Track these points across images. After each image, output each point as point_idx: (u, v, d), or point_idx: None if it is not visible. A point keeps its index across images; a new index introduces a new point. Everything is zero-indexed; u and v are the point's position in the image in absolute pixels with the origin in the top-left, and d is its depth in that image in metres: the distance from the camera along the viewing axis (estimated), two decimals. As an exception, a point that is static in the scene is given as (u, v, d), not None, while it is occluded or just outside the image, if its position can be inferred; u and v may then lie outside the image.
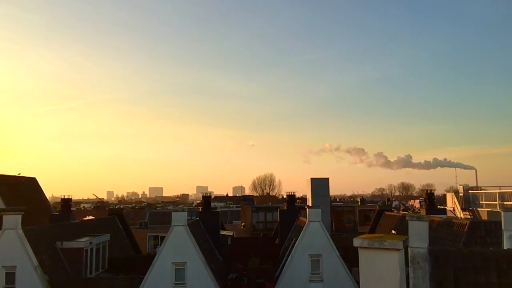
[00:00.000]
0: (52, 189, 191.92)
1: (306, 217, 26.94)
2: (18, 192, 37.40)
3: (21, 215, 23.80)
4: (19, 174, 40.55)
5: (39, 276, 22.75)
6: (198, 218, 33.95)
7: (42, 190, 42.56)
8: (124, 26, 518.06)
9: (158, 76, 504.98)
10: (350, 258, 25.44)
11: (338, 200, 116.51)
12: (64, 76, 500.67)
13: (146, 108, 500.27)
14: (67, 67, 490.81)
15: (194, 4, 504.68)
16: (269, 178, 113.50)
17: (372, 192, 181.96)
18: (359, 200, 75.82)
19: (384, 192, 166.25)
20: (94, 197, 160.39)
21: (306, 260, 25.44)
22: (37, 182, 42.34)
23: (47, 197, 45.09)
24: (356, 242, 8.22)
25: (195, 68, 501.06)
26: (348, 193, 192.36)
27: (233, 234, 41.87)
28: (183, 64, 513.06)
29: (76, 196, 35.36)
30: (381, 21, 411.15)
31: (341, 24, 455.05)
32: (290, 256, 25.86)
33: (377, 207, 41.35)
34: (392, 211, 41.11)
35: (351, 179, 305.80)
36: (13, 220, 23.41)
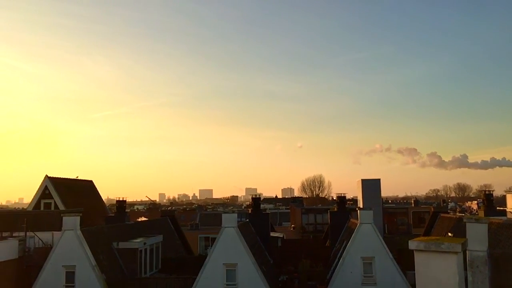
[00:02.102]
0: (108, 192, 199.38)
1: (357, 219, 26.46)
2: (76, 195, 38.99)
3: (79, 217, 24.83)
4: (77, 177, 42.29)
5: (97, 276, 23.61)
6: (247, 220, 34.09)
7: (98, 193, 44.18)
8: (172, 31, 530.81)
9: (207, 79, 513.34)
10: (404, 261, 24.77)
11: (390, 201, 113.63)
12: (118, 82, 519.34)
13: (196, 112, 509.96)
14: (121, 73, 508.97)
15: (239, 8, 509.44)
16: (318, 180, 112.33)
17: (426, 193, 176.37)
18: (412, 201, 73.66)
19: (439, 193, 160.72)
20: (147, 199, 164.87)
21: (358, 263, 24.96)
22: (94, 184, 44.00)
23: (103, 199, 46.76)
24: (412, 244, 7.95)
25: (243, 70, 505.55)
26: (401, 195, 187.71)
27: (283, 236, 41.73)
28: (231, 67, 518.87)
29: (129, 198, 36.52)
30: (431, 15, 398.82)
31: (388, 21, 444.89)
32: (341, 258, 25.47)
33: (432, 209, 40.02)
34: (448, 213, 39.63)
35: (404, 180, 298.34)
36: (72, 221, 24.45)
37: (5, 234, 26.22)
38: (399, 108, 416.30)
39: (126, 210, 35.45)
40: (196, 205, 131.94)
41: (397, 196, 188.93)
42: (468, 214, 55.42)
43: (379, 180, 38.06)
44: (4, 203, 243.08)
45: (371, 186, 36.60)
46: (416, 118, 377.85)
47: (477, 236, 8.05)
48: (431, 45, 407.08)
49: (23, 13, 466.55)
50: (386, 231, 46.87)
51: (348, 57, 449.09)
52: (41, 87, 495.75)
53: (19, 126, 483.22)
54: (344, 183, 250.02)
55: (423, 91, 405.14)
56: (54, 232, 25.64)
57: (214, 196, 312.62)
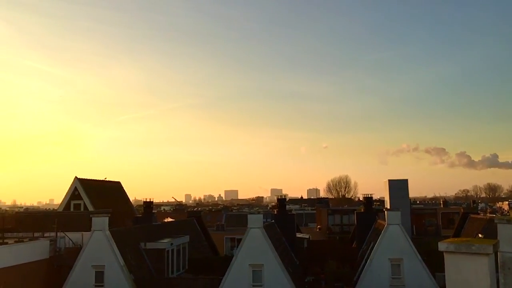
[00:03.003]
0: (135, 193, 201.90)
1: (384, 220, 26.12)
2: (105, 196, 39.68)
3: (108, 217, 25.25)
4: (105, 178, 43.04)
5: (125, 275, 23.96)
6: (273, 221, 34.04)
7: (126, 194, 44.86)
8: (197, 33, 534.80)
9: (232, 80, 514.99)
10: (433, 263, 24.31)
11: (418, 202, 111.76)
12: (144, 84, 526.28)
13: (221, 113, 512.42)
14: (146, 76, 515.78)
15: (263, 8, 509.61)
16: (344, 180, 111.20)
17: (455, 194, 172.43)
18: (441, 202, 72.23)
19: (468, 194, 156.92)
20: (173, 200, 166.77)
21: (386, 265, 24.62)
22: (122, 186, 44.70)
23: (130, 200, 47.46)
24: (442, 246, 7.77)
25: (268, 71, 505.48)
26: (429, 195, 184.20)
27: (309, 237, 41.52)
28: (255, 67, 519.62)
29: (156, 199, 37.25)
30: (457, 13, 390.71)
31: (413, 20, 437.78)
32: (369, 260, 25.18)
33: (462, 210, 39.19)
34: (478, 213, 38.75)
35: (432, 180, 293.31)
36: (101, 222, 24.89)
37: (36, 234, 26.87)
38: (426, 107, 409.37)
39: (153, 211, 35.86)
40: (222, 206, 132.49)
41: (425, 196, 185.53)
42: (499, 215, 54.00)
43: (406, 180, 37.55)
44: (35, 204, 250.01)
45: (398, 187, 36.15)
46: (444, 117, 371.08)
47: (509, 237, 7.81)
48: (458, 43, 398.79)
49: (51, 18, 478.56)
50: (414, 232, 46.12)
51: (374, 56, 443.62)
52: (69, 91, 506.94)
53: (49, 129, 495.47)
54: (370, 183, 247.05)
55: (451, 90, 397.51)
56: (84, 232, 26.14)
57: (240, 197, 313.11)
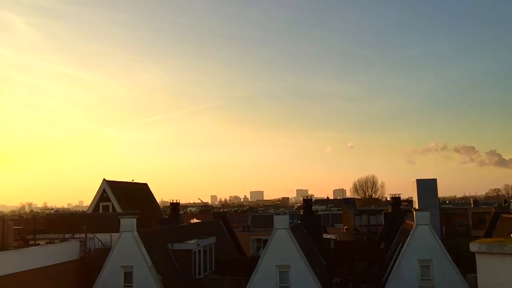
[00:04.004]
0: (161, 194, 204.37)
1: (413, 221, 25.70)
2: (132, 197, 40.27)
3: (136, 218, 25.59)
4: (133, 180, 43.69)
5: (153, 276, 24.23)
6: (299, 221, 33.91)
7: (153, 195, 45.42)
8: (221, 35, 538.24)
9: (256, 82, 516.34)
10: (464, 264, 23.78)
11: (447, 202, 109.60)
12: (169, 87, 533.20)
13: (246, 114, 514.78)
14: (172, 79, 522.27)
15: (286, 8, 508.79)
16: (371, 180, 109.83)
17: (486, 193, 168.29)
18: (471, 202, 70.63)
19: (499, 193, 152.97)
20: (199, 201, 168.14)
21: (415, 266, 24.21)
22: (149, 187, 45.28)
23: (157, 201, 48.00)
24: (473, 247, 7.63)
25: (291, 71, 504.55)
26: (459, 195, 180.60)
27: (336, 238, 41.19)
28: (279, 68, 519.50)
29: (182, 200, 37.55)
30: (486, 9, 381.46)
31: (441, 17, 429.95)
32: (397, 261, 24.79)
33: (493, 209, 38.25)
34: (510, 213, 37.70)
35: (461, 180, 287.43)
36: (129, 223, 25.25)
37: (67, 235, 27.44)
38: (454, 105, 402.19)
39: (180, 212, 36.19)
40: (247, 206, 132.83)
41: (455, 196, 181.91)
42: (533, 215, 52.33)
43: (435, 180, 36.84)
44: (65, 206, 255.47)
45: (427, 187, 35.51)
46: (473, 115, 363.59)
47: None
48: (487, 40, 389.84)
49: (77, 23, 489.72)
50: (444, 233, 45.23)
51: (400, 54, 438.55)
52: (96, 94, 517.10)
53: (77, 132, 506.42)
54: (397, 183, 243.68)
55: (480, 87, 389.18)
56: (112, 233, 26.56)
57: (265, 198, 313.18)
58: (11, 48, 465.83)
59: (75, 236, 27.12)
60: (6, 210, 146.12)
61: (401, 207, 37.16)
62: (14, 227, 25.61)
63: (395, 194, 36.57)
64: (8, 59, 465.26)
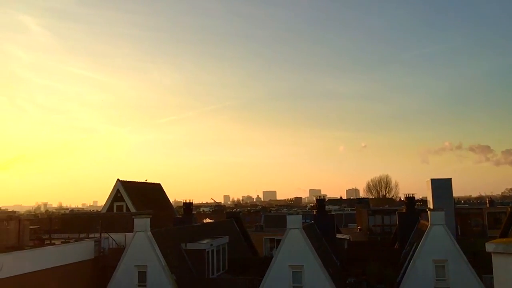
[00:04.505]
0: (175, 194, 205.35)
1: (427, 221, 25.48)
2: (146, 197, 40.48)
3: (149, 218, 25.74)
4: (146, 180, 43.91)
5: (167, 276, 24.35)
6: (312, 221, 33.81)
7: (166, 195, 45.61)
8: (233, 36, 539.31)
9: (269, 81, 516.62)
10: (480, 265, 23.52)
11: (462, 202, 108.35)
12: (182, 87, 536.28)
13: (259, 114, 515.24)
14: (184, 79, 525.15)
15: (298, 7, 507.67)
16: (385, 180, 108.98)
17: (502, 192, 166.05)
18: (487, 201, 69.76)
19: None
20: (212, 201, 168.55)
21: (430, 266, 23.99)
22: (162, 187, 45.47)
23: (170, 201, 48.18)
24: (489, 247, 7.51)
25: (305, 70, 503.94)
26: (474, 195, 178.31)
27: (349, 238, 41.00)
28: (292, 67, 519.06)
29: (195, 200, 37.63)
30: (503, 6, 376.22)
31: (458, 13, 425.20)
32: (412, 261, 24.59)
33: (509, 209, 37.74)
34: (527, 213, 37.15)
35: (477, 179, 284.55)
36: (143, 223, 25.40)
37: (82, 235, 27.69)
38: (469, 104, 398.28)
39: (193, 212, 36.31)
40: (260, 206, 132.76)
41: (470, 196, 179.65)
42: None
43: (450, 179, 36.42)
44: (80, 206, 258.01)
45: (441, 186, 35.12)
46: (488, 114, 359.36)
47: None
48: (502, 38, 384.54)
49: (91, 25, 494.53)
50: (459, 233, 44.78)
51: (414, 53, 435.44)
52: (110, 95, 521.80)
53: (91, 132, 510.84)
54: (411, 183, 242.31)
55: (494, 86, 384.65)
56: (126, 233, 26.73)
57: (278, 198, 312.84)
58: (27, 50, 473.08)
59: (89, 236, 27.34)
60: (22, 210, 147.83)
61: (415, 207, 36.85)
62: (30, 227, 25.90)
63: (409, 194, 36.32)
64: (23, 61, 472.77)
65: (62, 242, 25.78)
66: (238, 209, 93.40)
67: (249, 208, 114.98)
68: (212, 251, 27.81)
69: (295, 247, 24.37)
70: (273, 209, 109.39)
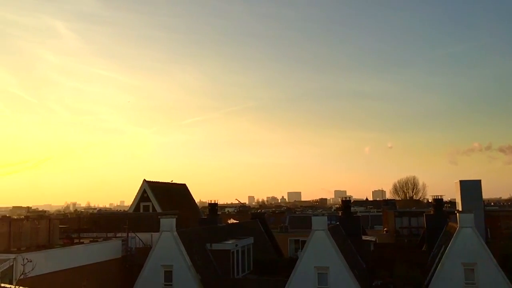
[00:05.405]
0: (200, 195, 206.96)
1: (456, 223, 24.98)
2: (172, 197, 40.87)
3: (175, 218, 25.99)
4: (172, 181, 44.33)
5: (193, 275, 24.54)
6: (338, 223, 33.54)
7: (191, 195, 45.94)
8: (257, 36, 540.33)
9: (293, 82, 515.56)
10: (510, 268, 22.95)
11: (493, 204, 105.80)
12: (206, 88, 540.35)
13: (284, 114, 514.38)
14: (208, 80, 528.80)
15: (323, 8, 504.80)
16: (412, 181, 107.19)
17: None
18: (518, 203, 67.94)
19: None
20: (237, 202, 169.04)
21: (459, 269, 23.51)
22: (187, 188, 45.82)
23: (196, 201, 48.50)
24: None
25: (328, 71, 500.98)
26: (505, 196, 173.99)
27: (375, 240, 40.49)
28: (317, 68, 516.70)
29: (220, 201, 37.79)
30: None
31: (486, 11, 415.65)
32: (440, 264, 24.15)
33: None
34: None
35: (507, 181, 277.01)
36: (169, 223, 25.67)
37: (109, 234, 28.16)
38: (499, 103, 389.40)
39: (218, 213, 36.44)
40: (285, 207, 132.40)
41: (500, 198, 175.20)
42: None
43: (479, 181, 35.65)
44: (107, 205, 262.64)
45: (470, 188, 34.40)
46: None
47: None
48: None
49: (116, 27, 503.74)
50: (489, 236, 43.77)
51: (442, 52, 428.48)
52: (135, 96, 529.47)
53: (118, 133, 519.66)
54: (440, 185, 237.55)
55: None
56: (153, 233, 27.05)
57: (303, 199, 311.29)
58: (56, 54, 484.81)
59: (117, 235, 27.79)
60: (52, 210, 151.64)
61: (443, 209, 36.16)
62: (59, 226, 26.52)
63: (438, 196, 35.63)
64: (53, 64, 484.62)
65: (91, 241, 26.30)
66: (262, 210, 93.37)
67: (273, 209, 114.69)
68: (237, 251, 27.88)
69: (320, 249, 24.23)
70: (298, 210, 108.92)
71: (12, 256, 19.84)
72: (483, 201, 42.26)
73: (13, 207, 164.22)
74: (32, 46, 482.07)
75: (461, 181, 35.07)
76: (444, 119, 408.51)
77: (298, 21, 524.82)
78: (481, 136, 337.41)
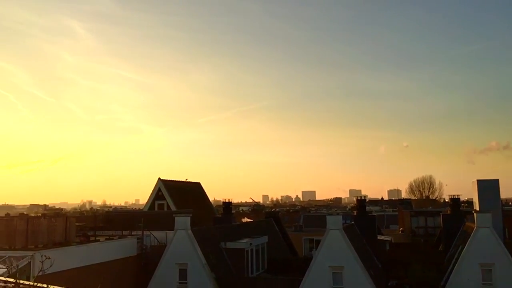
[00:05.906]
0: (214, 193, 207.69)
1: (473, 223, 24.64)
2: (186, 196, 41.07)
3: (190, 217, 26.09)
4: (186, 179, 44.56)
5: (207, 274, 24.60)
6: (353, 222, 33.32)
7: (205, 194, 46.12)
8: (271, 35, 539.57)
9: (308, 81, 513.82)
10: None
11: (510, 203, 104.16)
12: (221, 87, 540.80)
13: (297, 113, 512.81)
14: (223, 79, 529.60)
15: (340, 6, 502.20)
16: (428, 181, 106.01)
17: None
18: (537, 203, 66.82)
19: None
20: (251, 201, 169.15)
21: (476, 270, 23.18)
22: (202, 186, 46.01)
23: (210, 200, 48.66)
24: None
25: (344, 70, 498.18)
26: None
27: (391, 240, 40.14)
28: (331, 67, 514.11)
29: (234, 199, 37.84)
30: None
31: (506, 9, 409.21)
32: (457, 264, 23.84)
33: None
34: None
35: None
36: (184, 221, 25.79)
37: (125, 232, 28.39)
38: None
39: (232, 211, 36.48)
40: (299, 206, 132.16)
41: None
42: None
43: (497, 180, 35.09)
44: (122, 204, 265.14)
45: (488, 187, 33.88)
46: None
47: None
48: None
49: (132, 27, 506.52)
50: (507, 236, 43.08)
51: (459, 51, 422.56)
52: (150, 96, 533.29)
53: (133, 132, 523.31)
54: (456, 184, 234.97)
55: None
56: (167, 231, 27.19)
57: (317, 198, 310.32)
58: (73, 54, 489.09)
59: (132, 233, 28.00)
60: (68, 208, 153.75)
61: (460, 208, 35.69)
62: (76, 224, 26.81)
63: (454, 195, 35.19)
64: (70, 64, 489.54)
65: (106, 239, 26.54)
66: (277, 209, 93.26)
67: (288, 208, 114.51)
68: (252, 250, 27.87)
69: (335, 248, 24.10)
70: (312, 209, 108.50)
71: (30, 253, 20.12)
72: (501, 201, 41.61)
73: (31, 205, 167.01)
74: (49, 46, 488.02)
75: (478, 181, 34.57)
76: (461, 118, 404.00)
77: (314, 19, 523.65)
78: (499, 135, 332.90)
